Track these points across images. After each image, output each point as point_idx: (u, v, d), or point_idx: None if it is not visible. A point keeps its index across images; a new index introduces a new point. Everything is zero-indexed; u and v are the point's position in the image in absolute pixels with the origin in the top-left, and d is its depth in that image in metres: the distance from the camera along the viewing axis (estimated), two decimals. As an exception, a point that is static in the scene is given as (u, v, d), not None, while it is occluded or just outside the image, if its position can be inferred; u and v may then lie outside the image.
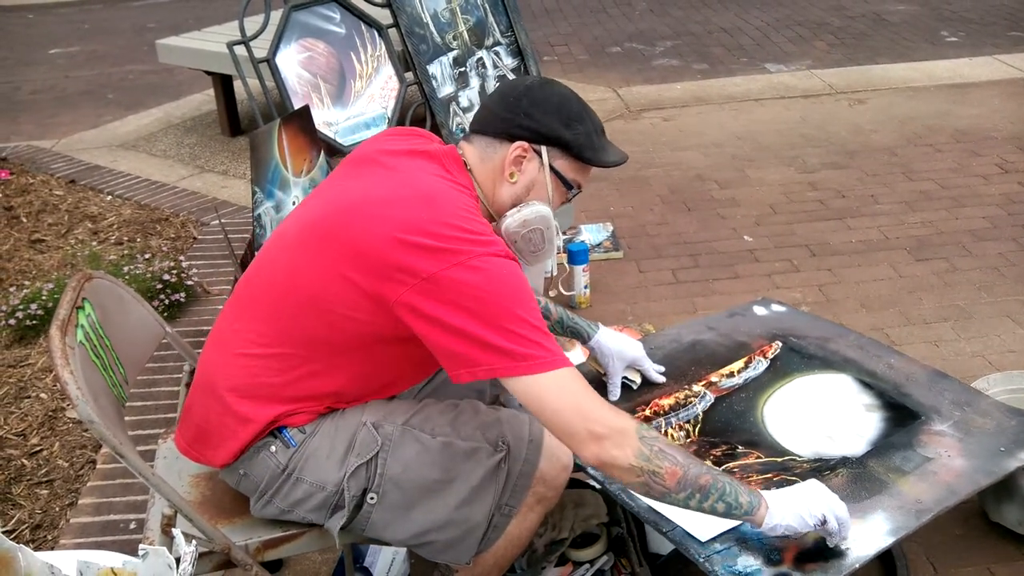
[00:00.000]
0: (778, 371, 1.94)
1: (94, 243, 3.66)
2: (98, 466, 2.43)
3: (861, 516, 1.50)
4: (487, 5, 3.70)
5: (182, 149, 4.77)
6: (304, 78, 3.21)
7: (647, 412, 1.83)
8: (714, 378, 1.93)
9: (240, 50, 3.08)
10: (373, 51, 3.46)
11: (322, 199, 1.53)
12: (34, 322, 2.99)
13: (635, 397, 1.88)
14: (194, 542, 1.31)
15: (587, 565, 1.86)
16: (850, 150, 4.28)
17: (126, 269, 3.14)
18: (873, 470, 1.61)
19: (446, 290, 1.32)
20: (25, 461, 2.48)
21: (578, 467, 1.61)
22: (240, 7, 3.10)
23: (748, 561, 1.42)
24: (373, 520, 1.50)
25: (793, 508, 1.40)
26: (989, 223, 3.51)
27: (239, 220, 3.77)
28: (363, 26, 3.44)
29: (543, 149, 1.52)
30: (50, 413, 2.65)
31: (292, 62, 3.19)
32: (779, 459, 1.66)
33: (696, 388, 1.89)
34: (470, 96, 3.55)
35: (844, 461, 1.64)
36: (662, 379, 1.93)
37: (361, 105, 3.37)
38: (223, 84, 4.74)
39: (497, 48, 3.72)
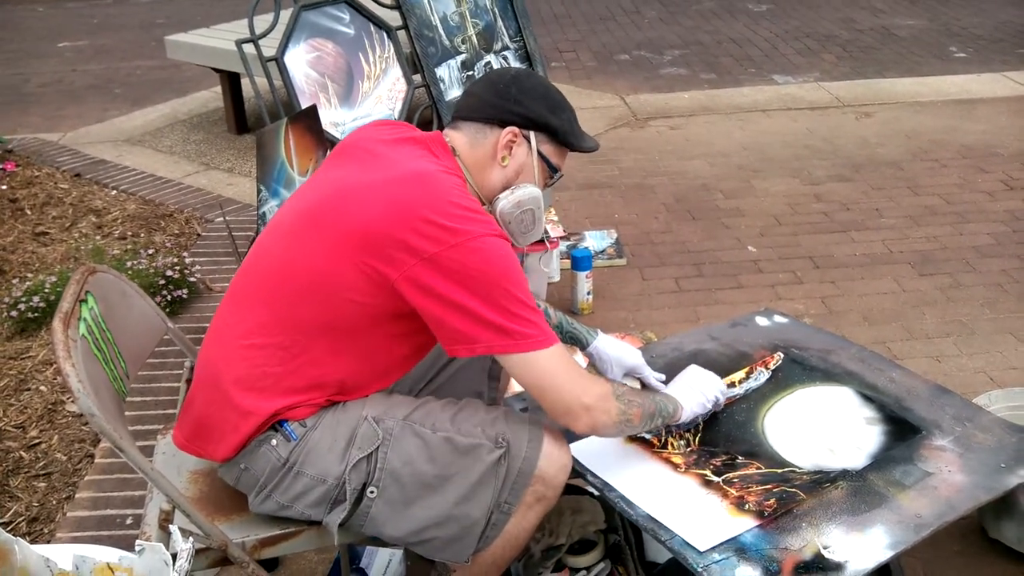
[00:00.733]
0: (779, 382, 1.93)
1: (98, 237, 3.66)
2: (96, 460, 2.43)
3: (860, 529, 1.49)
4: (496, 9, 3.71)
5: (188, 146, 4.77)
6: (312, 78, 3.22)
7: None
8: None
9: (249, 48, 3.09)
10: (382, 52, 3.47)
11: (315, 188, 1.57)
12: (36, 314, 2.99)
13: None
14: (191, 538, 1.31)
15: (584, 572, 1.85)
16: (856, 163, 4.28)
17: (129, 264, 3.14)
18: (873, 483, 1.60)
19: (449, 268, 1.38)
20: (23, 454, 2.48)
21: (576, 473, 1.61)
22: (250, 5, 3.10)
23: (746, 571, 1.41)
24: (372, 515, 1.50)
25: (694, 399, 1.70)
26: (993, 239, 3.51)
27: (243, 218, 3.77)
28: (372, 27, 3.45)
29: (531, 134, 1.59)
30: (50, 406, 2.65)
31: (300, 61, 3.19)
32: (779, 470, 1.66)
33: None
34: (477, 100, 3.55)
35: (844, 474, 1.64)
36: (662, 387, 1.92)
37: (368, 106, 3.37)
38: (231, 82, 4.74)
39: (505, 53, 3.72)
